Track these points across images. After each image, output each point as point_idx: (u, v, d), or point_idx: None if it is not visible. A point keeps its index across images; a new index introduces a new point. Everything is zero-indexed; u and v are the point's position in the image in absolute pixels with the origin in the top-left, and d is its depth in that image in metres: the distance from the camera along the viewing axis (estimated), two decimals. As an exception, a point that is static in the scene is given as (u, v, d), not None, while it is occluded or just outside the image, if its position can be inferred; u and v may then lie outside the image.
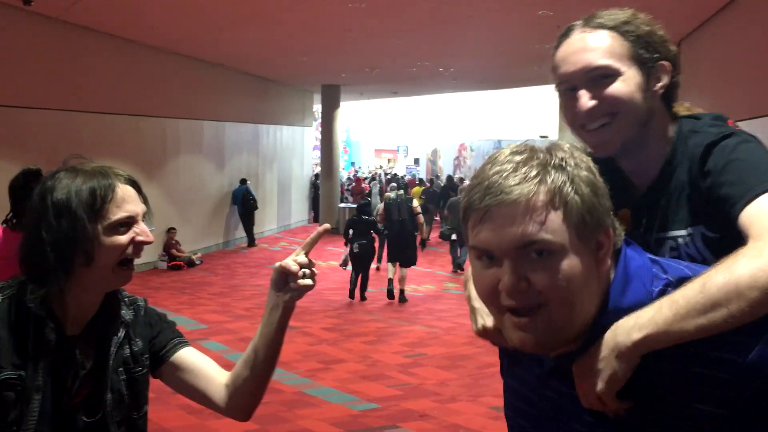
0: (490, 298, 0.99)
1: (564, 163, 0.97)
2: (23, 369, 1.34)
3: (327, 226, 1.48)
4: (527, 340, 0.98)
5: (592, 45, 1.30)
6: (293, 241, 17.42)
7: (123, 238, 1.39)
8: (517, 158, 0.98)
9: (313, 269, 1.40)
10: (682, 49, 11.06)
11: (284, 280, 1.40)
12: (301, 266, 1.38)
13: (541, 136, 27.26)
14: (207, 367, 1.53)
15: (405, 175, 29.21)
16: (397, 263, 9.99)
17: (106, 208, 1.37)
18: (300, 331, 7.96)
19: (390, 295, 9.99)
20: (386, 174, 30.42)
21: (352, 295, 10.10)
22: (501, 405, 4.30)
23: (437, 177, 27.47)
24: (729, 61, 8.85)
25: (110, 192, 1.37)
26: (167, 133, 12.90)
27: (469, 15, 10.00)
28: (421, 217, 10.64)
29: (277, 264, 1.40)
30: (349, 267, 10.29)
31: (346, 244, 9.97)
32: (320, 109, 20.36)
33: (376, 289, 11.36)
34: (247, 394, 1.49)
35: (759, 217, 1.09)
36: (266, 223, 17.73)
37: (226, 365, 1.57)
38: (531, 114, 28.67)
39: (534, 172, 0.96)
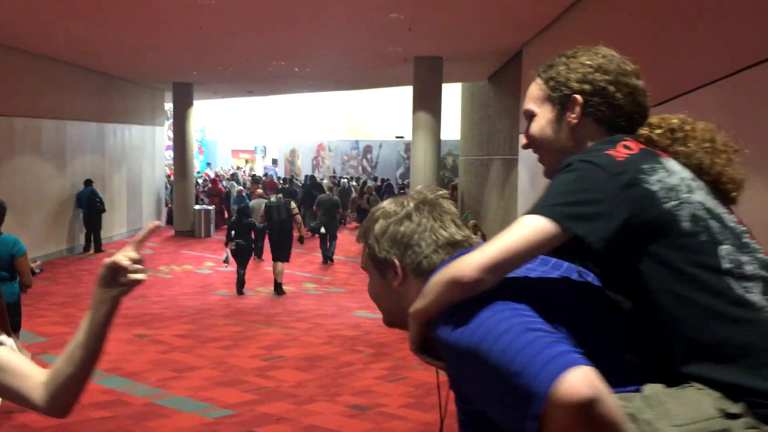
0: None
1: (381, 214, 1.42)
2: None
3: (157, 222, 1.53)
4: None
5: (528, 92, 1.54)
6: (144, 245, 16.62)
7: None
8: (385, 206, 1.45)
9: (143, 265, 1.42)
10: (522, 55, 11.72)
11: (113, 276, 1.40)
12: (133, 261, 1.40)
13: (397, 137, 27.87)
14: (22, 366, 1.46)
15: (263, 176, 28.83)
16: (280, 262, 11.00)
17: None
18: (151, 339, 7.62)
19: (277, 289, 10.91)
20: (245, 174, 29.87)
21: (240, 291, 10.84)
22: (358, 403, 4.41)
23: (294, 177, 27.35)
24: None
25: None
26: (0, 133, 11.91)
27: (320, 16, 10.02)
28: (299, 217, 11.50)
29: (107, 260, 1.40)
30: (228, 268, 11.56)
31: (226, 244, 11.01)
32: (172, 108, 19.64)
33: (231, 293, 11.11)
34: (69, 392, 1.44)
35: (504, 230, 1.27)
36: (115, 227, 16.84)
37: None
38: (388, 115, 29.21)
39: (370, 222, 1.44)
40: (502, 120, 14.10)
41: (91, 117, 15.69)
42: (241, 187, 19.27)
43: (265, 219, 10.91)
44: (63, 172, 14.31)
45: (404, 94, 18.71)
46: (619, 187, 1.26)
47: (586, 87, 1.44)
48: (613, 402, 1.06)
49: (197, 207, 19.27)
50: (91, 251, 14.88)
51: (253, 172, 31.95)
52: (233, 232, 10.82)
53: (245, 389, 6.03)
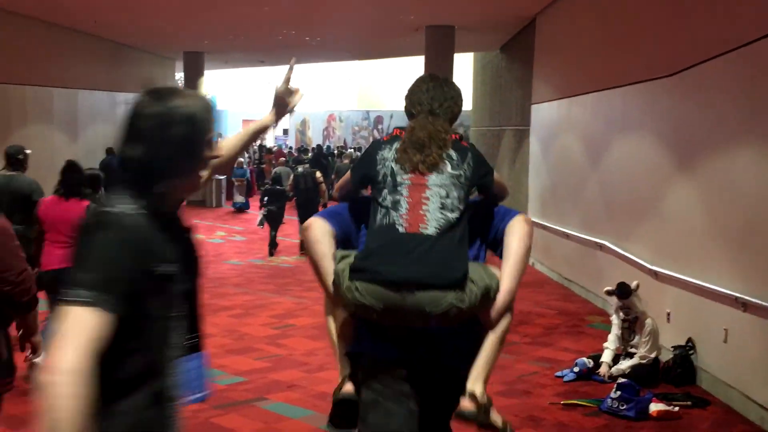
0: None
1: None
2: (173, 262, 1.66)
3: (294, 59, 2.52)
4: None
5: None
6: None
7: None
8: None
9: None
10: (536, 25, 11.57)
11: (285, 99, 2.31)
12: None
13: (408, 107, 27.70)
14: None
15: (273, 146, 28.81)
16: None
17: None
18: (164, 307, 7.70)
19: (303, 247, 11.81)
20: (254, 144, 29.82)
21: (272, 253, 11.78)
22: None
23: (319, 147, 27.38)
24: (580, 36, 9.36)
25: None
26: (12, 101, 11.94)
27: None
28: (324, 186, 12.39)
29: (283, 86, 2.31)
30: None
31: (261, 208, 12.32)
32: (183, 78, 19.56)
33: (242, 262, 11.20)
34: (233, 160, 2.33)
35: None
36: (127, 196, 16.91)
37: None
38: (399, 85, 29.02)
39: None
40: (514, 90, 13.98)
41: (103, 86, 15.69)
42: (240, 159, 19.09)
43: (294, 187, 12.02)
44: (75, 141, 14.36)
45: (416, 64, 18.56)
46: (376, 155, 2.49)
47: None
48: (311, 236, 2.48)
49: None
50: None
51: (263, 142, 31.90)
52: (266, 198, 12.02)
53: (257, 357, 6.10)
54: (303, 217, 11.85)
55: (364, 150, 2.64)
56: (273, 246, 11.85)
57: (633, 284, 5.86)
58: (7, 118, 11.80)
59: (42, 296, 3.49)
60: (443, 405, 2.38)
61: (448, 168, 2.35)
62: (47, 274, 4.99)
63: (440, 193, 2.31)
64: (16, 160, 6.32)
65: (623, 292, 5.80)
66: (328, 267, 2.38)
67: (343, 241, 2.48)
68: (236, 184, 17.64)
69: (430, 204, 2.29)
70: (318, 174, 12.22)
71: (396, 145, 2.41)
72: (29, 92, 12.45)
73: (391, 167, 2.37)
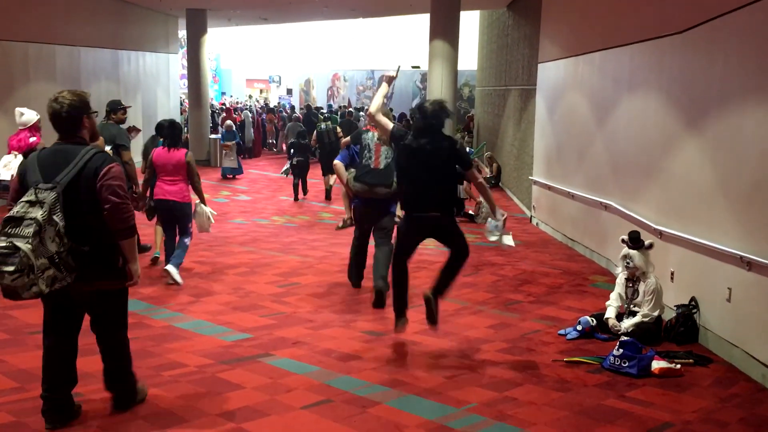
0: None
1: None
2: None
3: (399, 64, 6.22)
4: None
5: None
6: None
7: None
8: None
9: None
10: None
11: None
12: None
13: (413, 66, 27.44)
14: None
15: (276, 105, 28.62)
16: (329, 174, 13.70)
17: None
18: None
19: (327, 196, 13.96)
20: (258, 104, 29.66)
21: (296, 198, 13.74)
22: (374, 329, 4.55)
23: (308, 107, 27.14)
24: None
25: None
26: (14, 58, 11.84)
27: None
28: (344, 139, 13.46)
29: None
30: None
31: (288, 159, 14.19)
32: (186, 35, 19.35)
33: (248, 221, 11.22)
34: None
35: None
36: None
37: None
38: (404, 44, 28.69)
39: None
40: (521, 49, 13.81)
41: (105, 43, 15.54)
42: (229, 122, 18.32)
43: (318, 141, 13.71)
44: (78, 100, 14.29)
45: (422, 22, 18.32)
46: (362, 134, 6.63)
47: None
48: (339, 168, 6.65)
49: (212, 136, 19.23)
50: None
51: (266, 102, 31.72)
52: (293, 151, 13.89)
53: (262, 314, 6.15)
54: (327, 168, 13.41)
55: (357, 130, 6.70)
56: (297, 192, 13.74)
57: (647, 242, 5.86)
58: (10, 75, 11.72)
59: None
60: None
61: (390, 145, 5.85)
62: (158, 202, 7.05)
63: (385, 152, 6.24)
64: (106, 111, 7.86)
65: (633, 239, 5.82)
66: (345, 176, 6.44)
67: (346, 167, 6.49)
68: (224, 150, 17.19)
69: (381, 157, 6.28)
70: (339, 129, 14.07)
71: (369, 133, 6.36)
72: (32, 49, 12.34)
73: (368, 141, 6.32)
